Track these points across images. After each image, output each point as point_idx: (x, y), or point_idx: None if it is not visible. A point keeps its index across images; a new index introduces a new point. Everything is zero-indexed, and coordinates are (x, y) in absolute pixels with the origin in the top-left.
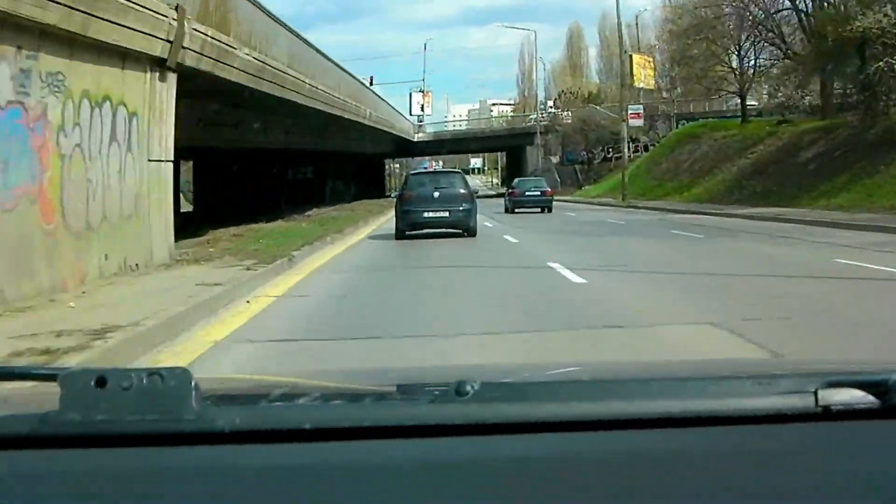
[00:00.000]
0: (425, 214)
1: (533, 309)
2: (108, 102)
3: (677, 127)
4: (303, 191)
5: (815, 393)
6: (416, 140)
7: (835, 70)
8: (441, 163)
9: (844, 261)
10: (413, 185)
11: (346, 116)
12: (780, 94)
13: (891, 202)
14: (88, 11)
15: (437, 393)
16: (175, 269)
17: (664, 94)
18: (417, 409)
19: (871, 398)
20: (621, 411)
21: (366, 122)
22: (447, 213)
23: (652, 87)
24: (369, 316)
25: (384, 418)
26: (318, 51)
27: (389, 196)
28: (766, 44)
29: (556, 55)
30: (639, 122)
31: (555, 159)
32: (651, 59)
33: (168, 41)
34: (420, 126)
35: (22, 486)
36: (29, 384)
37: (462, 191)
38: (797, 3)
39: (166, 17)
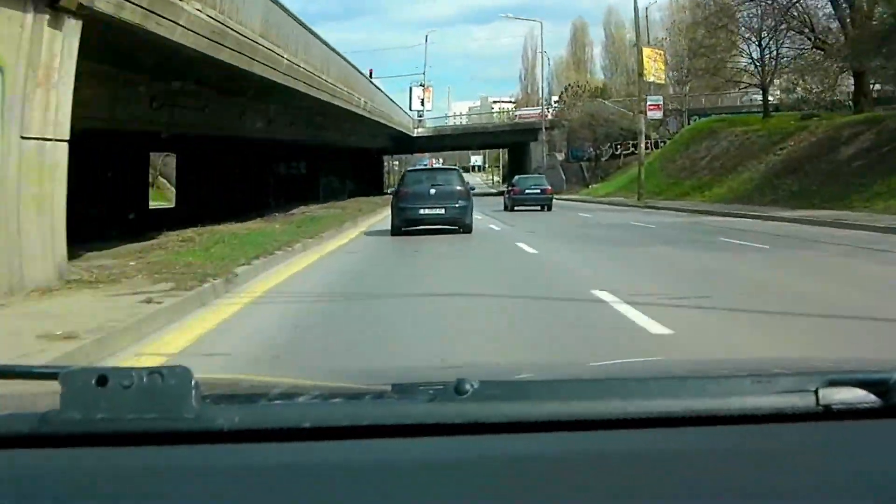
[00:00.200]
0: (421, 211)
1: None
2: None
3: (689, 123)
4: (295, 187)
5: (816, 392)
6: (415, 135)
7: (889, 54)
8: (441, 160)
9: None
10: (409, 181)
11: (336, 103)
12: (799, 87)
13: None
14: None
15: (436, 392)
16: (43, 300)
17: (673, 89)
18: (416, 407)
19: (872, 397)
20: (621, 410)
21: (359, 111)
22: (443, 210)
23: (662, 82)
24: None
25: (383, 417)
26: (302, 24)
27: (387, 193)
28: (793, 32)
29: (559, 53)
30: (658, 115)
31: (559, 156)
32: (662, 53)
33: None
34: (420, 121)
35: (22, 485)
36: (30, 383)
37: (458, 188)
38: None
39: None
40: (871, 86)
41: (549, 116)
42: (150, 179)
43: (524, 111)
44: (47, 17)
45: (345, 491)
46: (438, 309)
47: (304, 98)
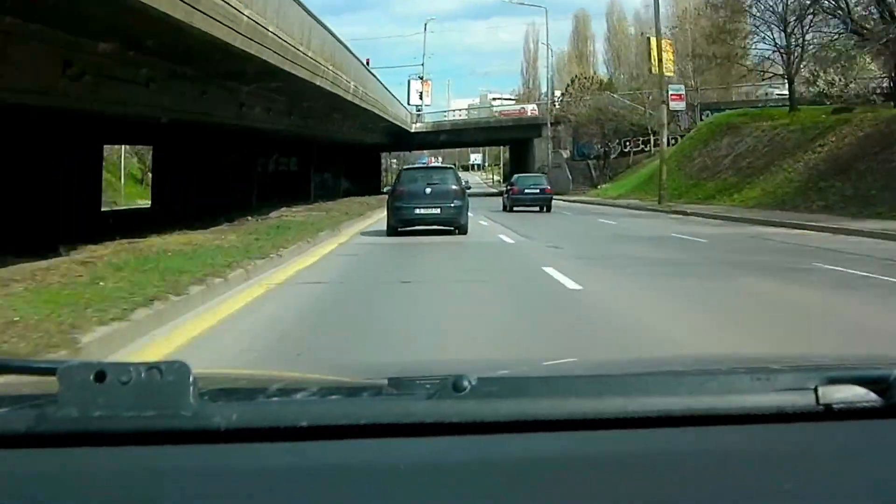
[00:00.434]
0: (417, 211)
1: None
2: None
3: (702, 118)
4: (284, 185)
5: (816, 390)
6: (413, 130)
7: None
8: (441, 158)
9: None
10: (405, 180)
11: (319, 84)
12: (821, 80)
13: None
14: None
15: (434, 389)
16: None
17: (683, 82)
18: (414, 405)
19: (872, 396)
20: (619, 408)
21: (348, 96)
22: (438, 210)
23: (671, 74)
24: None
25: (381, 415)
26: None
27: (384, 192)
28: (826, 14)
29: (561, 47)
30: (681, 105)
31: (565, 154)
32: (670, 44)
33: None
34: (418, 115)
35: (18, 484)
36: (28, 378)
37: (454, 187)
38: None
39: None
40: None
41: (555, 110)
42: (140, 175)
43: (510, 109)
44: None
45: (342, 490)
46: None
47: (276, 75)
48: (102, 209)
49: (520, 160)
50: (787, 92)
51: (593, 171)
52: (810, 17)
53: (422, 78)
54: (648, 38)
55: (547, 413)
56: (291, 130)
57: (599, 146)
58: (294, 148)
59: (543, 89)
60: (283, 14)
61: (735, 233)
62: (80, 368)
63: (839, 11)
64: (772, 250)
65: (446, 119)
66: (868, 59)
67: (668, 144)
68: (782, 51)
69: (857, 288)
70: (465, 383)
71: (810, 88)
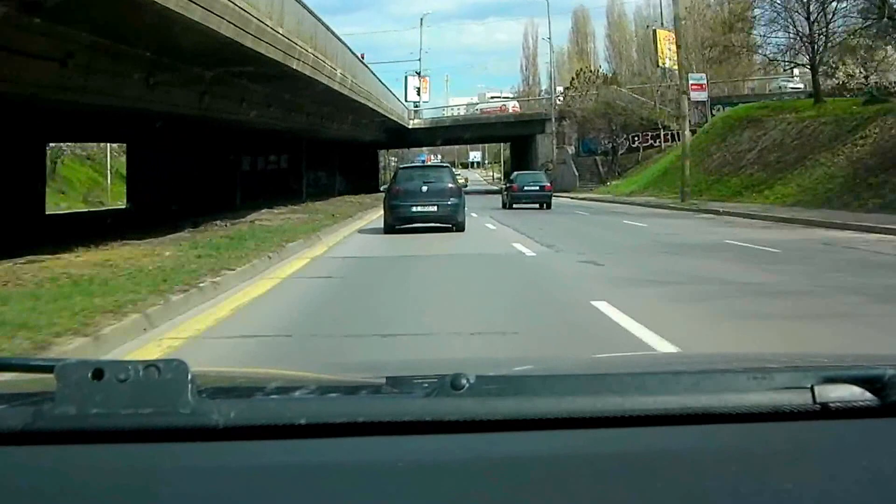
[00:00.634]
0: (414, 209)
1: None
2: None
3: (713, 112)
4: (273, 183)
5: (812, 389)
6: (411, 127)
7: None
8: (440, 156)
9: None
10: (401, 179)
11: (296, 68)
12: (840, 71)
13: None
14: None
15: (432, 387)
16: None
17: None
18: (413, 403)
19: (868, 395)
20: (617, 407)
21: (334, 85)
22: (435, 208)
23: (677, 67)
24: None
25: (379, 414)
26: None
27: (382, 191)
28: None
29: (560, 44)
30: (703, 95)
31: (570, 150)
32: (676, 37)
33: None
34: (416, 112)
35: (14, 482)
36: (26, 375)
37: (450, 185)
38: None
39: None
40: None
41: (559, 105)
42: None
43: (491, 107)
44: None
45: (341, 488)
46: None
47: (240, 55)
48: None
49: (522, 157)
50: (800, 85)
51: (601, 168)
52: (835, 2)
53: (419, 73)
54: (655, 31)
55: (545, 411)
56: (273, 125)
57: (607, 142)
58: (284, 145)
59: (544, 86)
60: None
61: (801, 238)
62: (77, 366)
63: None
64: (881, 266)
65: (445, 116)
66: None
67: (677, 139)
68: (805, 39)
69: None
70: (463, 381)
71: (829, 81)
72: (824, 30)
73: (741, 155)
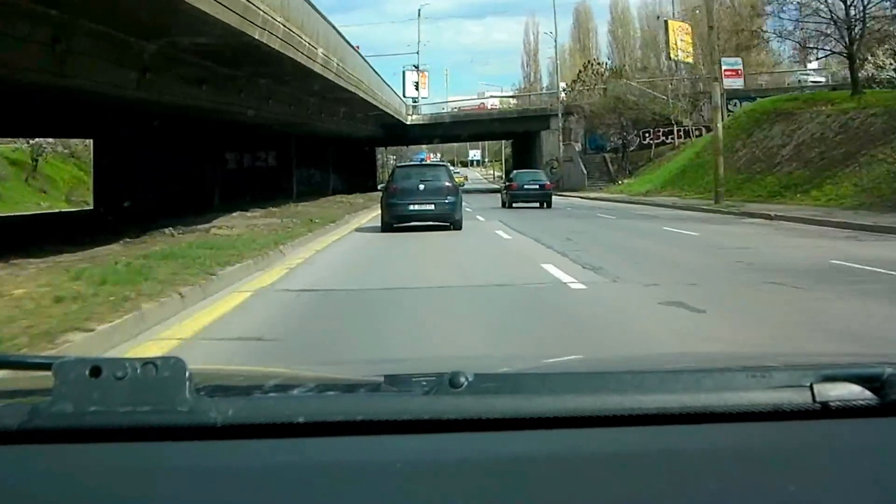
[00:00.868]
0: (411, 207)
1: None
2: None
3: (728, 107)
4: (262, 181)
5: (811, 387)
6: (409, 123)
7: None
8: (440, 155)
9: None
10: (399, 177)
11: (259, 38)
12: (870, 63)
13: None
14: None
15: (431, 385)
16: None
17: (706, 68)
18: (411, 401)
19: (868, 394)
20: (616, 405)
21: (316, 67)
22: (433, 206)
23: (690, 60)
24: None
25: (378, 412)
26: None
27: (380, 189)
28: None
29: (562, 41)
30: (739, 83)
31: (576, 147)
32: (689, 27)
33: None
34: (415, 107)
35: (10, 481)
36: (24, 373)
37: (447, 184)
38: None
39: None
40: None
41: (565, 100)
42: None
43: (470, 106)
44: None
45: (339, 487)
46: None
47: (186, 22)
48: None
49: (525, 155)
50: (821, 79)
51: (610, 165)
52: None
53: (417, 67)
54: (666, 22)
55: (543, 410)
56: (247, 116)
57: (616, 138)
58: (272, 141)
59: (545, 83)
60: None
61: None
62: (75, 364)
63: None
64: None
65: (445, 111)
66: None
67: (693, 136)
68: (842, 24)
69: None
70: (462, 380)
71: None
72: (861, 15)
73: (773, 151)
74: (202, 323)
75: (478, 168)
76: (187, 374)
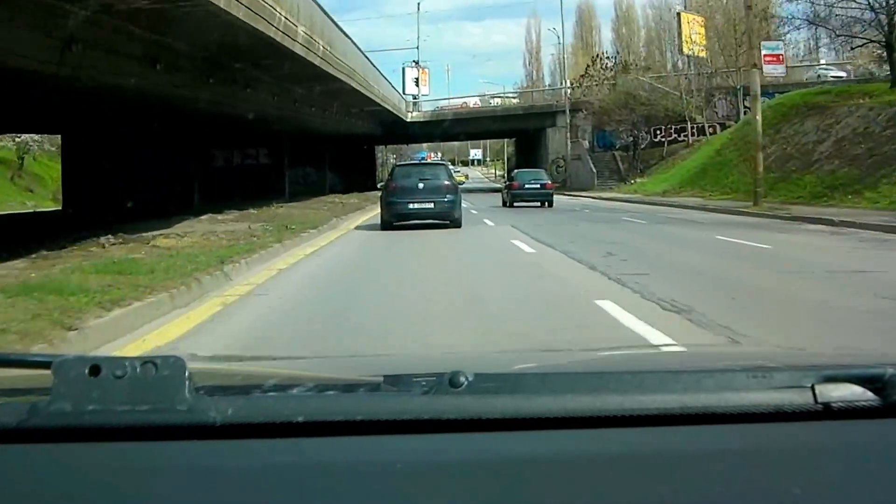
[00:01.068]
0: (410, 205)
1: None
2: None
3: (745, 103)
4: (253, 180)
5: (812, 388)
6: (409, 120)
7: None
8: (440, 154)
9: None
10: (398, 176)
11: (226, 8)
12: None
13: None
14: None
15: (430, 385)
16: None
17: (726, 62)
18: (411, 401)
19: (870, 395)
20: (616, 406)
21: (296, 47)
22: (432, 205)
23: (704, 54)
24: None
25: (378, 412)
26: None
27: (379, 188)
28: None
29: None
30: (780, 70)
31: (584, 144)
32: (702, 21)
33: None
34: (415, 104)
35: (8, 480)
36: (24, 371)
37: (446, 182)
38: None
39: None
40: None
41: (571, 95)
42: None
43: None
44: None
45: (338, 487)
46: None
47: None
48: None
49: (529, 153)
50: (842, 73)
51: (620, 164)
52: None
53: (417, 62)
54: (679, 14)
55: (543, 410)
56: (220, 108)
57: (626, 135)
58: (262, 137)
59: (547, 82)
60: None
61: None
62: (74, 362)
63: None
64: None
65: (447, 109)
66: None
67: (703, 133)
68: (880, 11)
69: None
70: (462, 380)
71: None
72: None
73: (808, 148)
74: None
75: (479, 167)
76: (186, 374)
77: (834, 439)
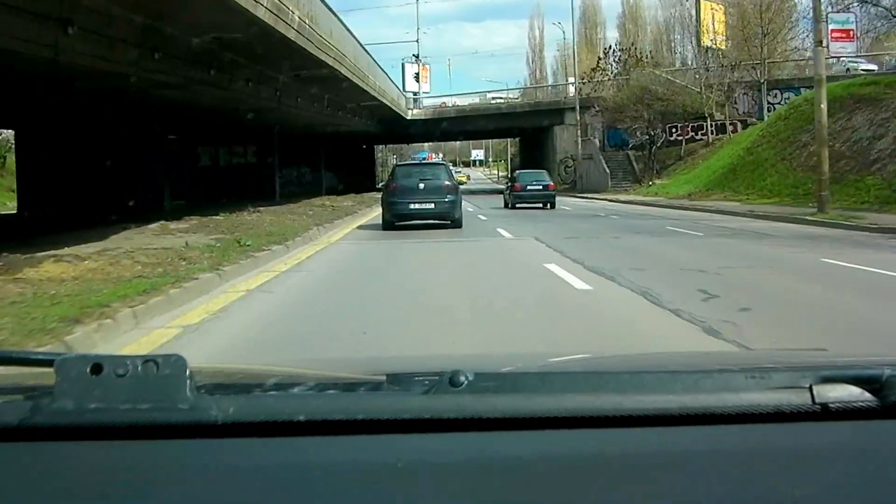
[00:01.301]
0: (411, 206)
1: None
2: None
3: (769, 98)
4: (242, 180)
5: (811, 389)
6: (409, 118)
7: None
8: (441, 154)
9: None
10: (399, 176)
11: None
12: None
13: None
14: None
15: (431, 384)
16: None
17: (751, 52)
18: (411, 400)
19: (868, 396)
20: (615, 405)
21: (260, 12)
22: (433, 205)
23: (723, 47)
24: None
25: (378, 411)
26: None
27: (378, 189)
28: None
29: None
30: (849, 48)
31: (595, 143)
32: (722, 8)
33: None
34: (416, 101)
35: (10, 478)
36: (26, 370)
37: (447, 182)
38: None
39: None
40: None
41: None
42: None
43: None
44: None
45: (339, 486)
46: None
47: None
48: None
49: (535, 152)
50: (873, 66)
51: (635, 164)
52: None
53: (417, 56)
54: (699, 1)
55: (543, 409)
56: (187, 94)
57: (641, 133)
58: (251, 134)
59: (551, 80)
60: None
61: None
62: (76, 360)
63: None
64: None
65: (449, 105)
66: None
67: (723, 131)
68: None
69: None
70: (462, 379)
71: None
72: None
73: (864, 146)
74: None
75: (480, 168)
76: (188, 372)
77: (831, 440)
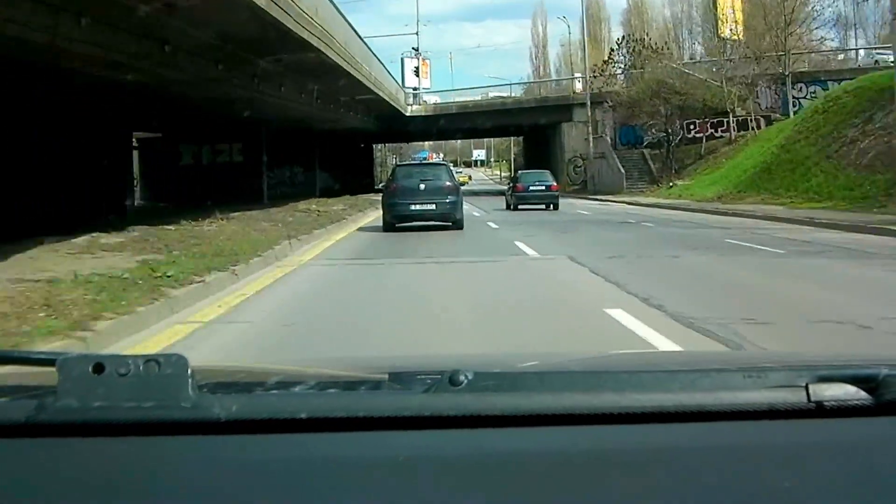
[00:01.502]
0: (412, 207)
1: None
2: None
3: (793, 92)
4: (228, 180)
5: (807, 387)
6: (409, 114)
7: None
8: (442, 154)
9: None
10: (399, 176)
11: None
12: None
13: None
14: None
15: (431, 383)
16: None
17: (775, 43)
18: (411, 399)
19: (863, 394)
20: (613, 403)
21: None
22: (434, 206)
23: (741, 37)
24: None
25: (379, 409)
26: None
27: (377, 190)
28: None
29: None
30: None
31: (607, 141)
32: None
33: None
34: (415, 97)
35: (17, 474)
36: (28, 369)
37: (448, 183)
38: None
39: None
40: None
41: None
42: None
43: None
44: None
45: (340, 482)
46: None
47: None
48: None
49: (540, 151)
50: (889, 56)
51: (651, 163)
52: None
53: (416, 50)
54: None
55: (542, 407)
56: (134, 75)
57: (657, 130)
58: (237, 130)
59: (554, 75)
60: None
61: None
62: (78, 360)
63: None
64: None
65: (451, 101)
66: None
67: (751, 129)
68: None
69: None
70: (462, 378)
71: None
72: None
73: None
74: None
75: (482, 168)
76: (189, 371)
77: (826, 437)
